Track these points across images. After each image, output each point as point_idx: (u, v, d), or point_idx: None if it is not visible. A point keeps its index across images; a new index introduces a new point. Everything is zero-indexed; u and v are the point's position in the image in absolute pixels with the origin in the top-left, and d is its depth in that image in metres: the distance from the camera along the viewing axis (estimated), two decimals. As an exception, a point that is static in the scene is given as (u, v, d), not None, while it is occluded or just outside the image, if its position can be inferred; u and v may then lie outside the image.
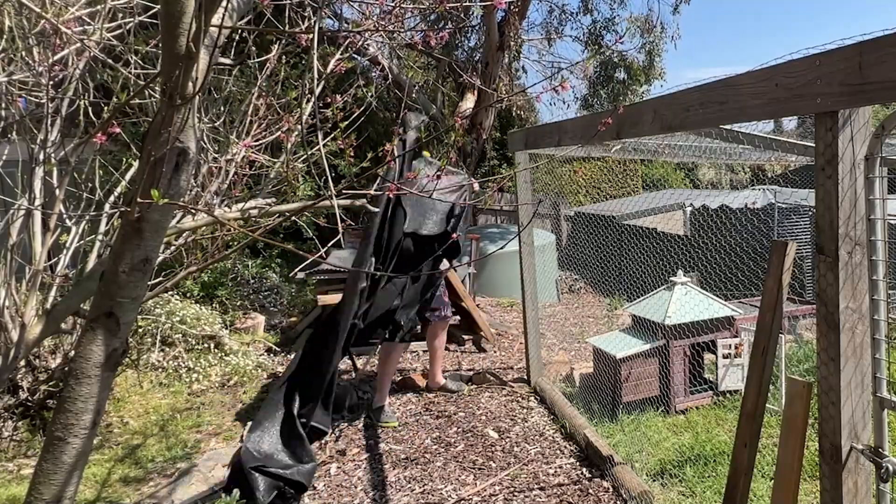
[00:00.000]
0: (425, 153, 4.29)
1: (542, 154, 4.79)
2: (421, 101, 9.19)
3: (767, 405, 4.37)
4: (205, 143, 2.87)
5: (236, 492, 3.29)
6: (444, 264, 4.48)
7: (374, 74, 9.07)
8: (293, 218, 3.04)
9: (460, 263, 6.90)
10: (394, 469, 3.68)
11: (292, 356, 5.82)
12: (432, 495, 3.38)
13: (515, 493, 3.36)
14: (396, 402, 4.73)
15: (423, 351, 6.22)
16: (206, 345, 5.41)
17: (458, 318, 6.04)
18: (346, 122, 2.57)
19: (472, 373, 5.26)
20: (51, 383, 3.95)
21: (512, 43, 8.86)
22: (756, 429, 2.27)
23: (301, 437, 3.52)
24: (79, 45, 2.35)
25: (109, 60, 2.06)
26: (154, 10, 2.28)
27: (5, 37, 2.59)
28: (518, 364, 5.54)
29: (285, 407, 3.66)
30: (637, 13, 11.90)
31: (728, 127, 2.77)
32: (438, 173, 1.96)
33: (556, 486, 3.42)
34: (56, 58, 2.36)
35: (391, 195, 3.57)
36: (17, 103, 2.65)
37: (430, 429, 4.21)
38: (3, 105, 2.67)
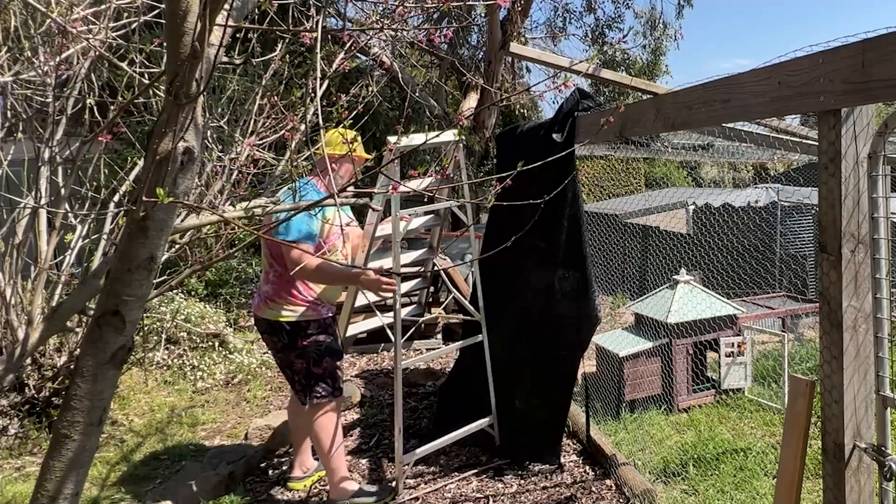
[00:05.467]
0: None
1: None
2: (424, 99, 9.19)
3: (771, 403, 4.38)
4: (209, 142, 2.88)
5: (240, 489, 3.31)
6: (445, 262, 4.37)
7: (377, 73, 9.08)
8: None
9: (462, 262, 6.90)
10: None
11: None
12: (436, 493, 3.39)
13: (519, 491, 3.37)
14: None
15: (427, 349, 6.23)
16: (210, 343, 5.43)
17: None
18: (350, 121, 2.58)
19: None
20: (57, 381, 3.97)
21: (514, 41, 8.84)
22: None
23: None
24: (84, 44, 2.36)
25: (114, 59, 2.07)
26: (159, 10, 2.30)
27: (11, 36, 2.61)
28: (521, 362, 5.55)
29: None
30: (641, 8, 11.90)
31: (731, 125, 2.77)
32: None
33: (559, 485, 3.43)
34: (61, 57, 2.37)
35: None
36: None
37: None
38: (10, 104, 2.68)
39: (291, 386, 3.24)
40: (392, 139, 3.17)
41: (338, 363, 3.17)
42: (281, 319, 3.05)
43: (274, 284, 3.08)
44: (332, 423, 3.13)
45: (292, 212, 2.68)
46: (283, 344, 3.09)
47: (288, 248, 2.88)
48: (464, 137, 3.66)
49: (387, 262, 3.83)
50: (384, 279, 3.07)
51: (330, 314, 3.19)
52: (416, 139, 3.41)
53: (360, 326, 4.43)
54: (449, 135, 3.72)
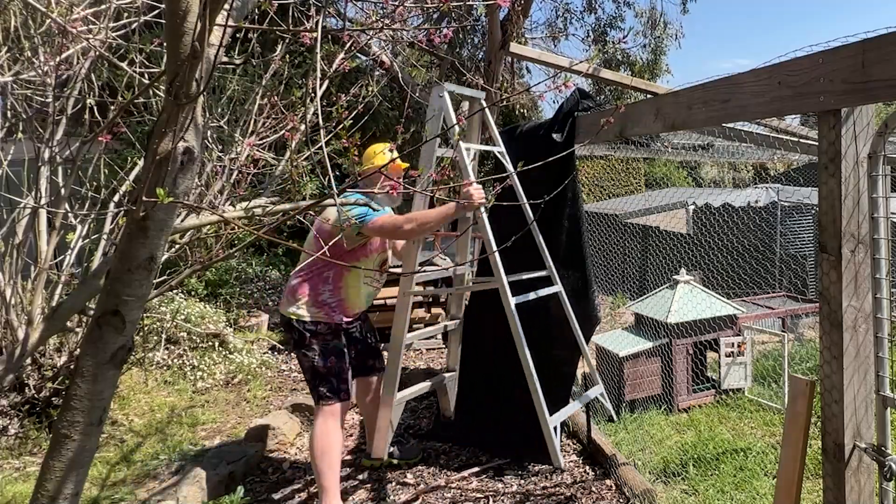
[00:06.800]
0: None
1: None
2: (424, 99, 9.20)
3: (771, 403, 4.38)
4: (209, 142, 2.89)
5: (240, 489, 3.31)
6: (444, 262, 4.32)
7: (377, 73, 9.07)
8: (298, 216, 3.06)
9: (462, 262, 6.88)
10: (396, 469, 3.68)
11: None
12: (436, 493, 3.39)
13: (519, 491, 3.37)
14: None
15: (427, 349, 6.24)
16: (210, 343, 5.43)
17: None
18: (351, 121, 2.58)
19: None
20: (57, 381, 3.97)
21: (514, 41, 8.83)
22: None
23: None
24: (84, 44, 2.36)
25: (114, 59, 2.07)
26: (159, 10, 2.30)
27: (11, 36, 2.61)
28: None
29: None
30: (641, 7, 11.86)
31: (731, 125, 2.77)
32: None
33: (559, 485, 3.42)
34: (62, 57, 2.37)
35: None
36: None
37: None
38: (10, 104, 2.69)
39: (308, 385, 3.24)
40: (449, 85, 3.33)
41: (344, 366, 3.12)
42: (293, 317, 3.07)
43: (302, 279, 3.09)
44: (331, 437, 3.03)
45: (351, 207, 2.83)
46: (294, 341, 3.12)
47: (375, 227, 2.94)
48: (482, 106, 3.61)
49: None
50: (472, 190, 2.96)
51: (344, 322, 3.16)
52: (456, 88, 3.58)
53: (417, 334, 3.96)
54: (479, 93, 3.67)
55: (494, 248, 3.04)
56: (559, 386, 3.59)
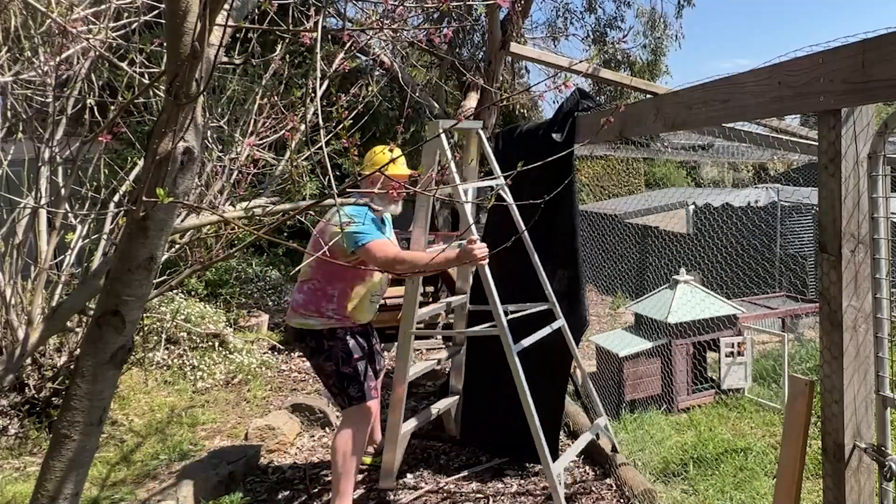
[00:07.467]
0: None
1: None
2: (424, 99, 9.21)
3: (771, 403, 4.38)
4: (209, 142, 2.89)
5: (240, 490, 3.32)
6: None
7: (377, 73, 9.07)
8: (298, 216, 3.06)
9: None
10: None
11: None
12: (436, 493, 3.39)
13: (519, 491, 3.37)
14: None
15: (427, 348, 6.23)
16: (210, 343, 5.43)
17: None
18: (351, 121, 2.58)
19: None
20: (57, 381, 3.96)
21: (514, 41, 8.82)
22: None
23: None
24: (84, 44, 2.36)
25: (114, 59, 2.07)
26: (159, 10, 2.30)
27: (11, 36, 2.61)
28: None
29: None
30: (642, 7, 11.86)
31: (731, 125, 2.77)
32: None
33: (559, 484, 3.42)
34: (62, 57, 2.37)
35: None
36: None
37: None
38: (10, 104, 2.69)
39: (330, 392, 3.19)
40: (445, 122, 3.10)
41: (368, 364, 3.12)
42: (305, 328, 3.05)
43: (306, 295, 3.06)
44: (358, 441, 3.02)
45: (352, 225, 2.79)
46: (311, 349, 3.08)
47: (366, 251, 2.87)
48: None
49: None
50: (476, 248, 2.89)
51: (358, 325, 3.15)
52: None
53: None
54: (476, 122, 3.61)
55: (496, 297, 2.99)
56: (555, 394, 3.60)
